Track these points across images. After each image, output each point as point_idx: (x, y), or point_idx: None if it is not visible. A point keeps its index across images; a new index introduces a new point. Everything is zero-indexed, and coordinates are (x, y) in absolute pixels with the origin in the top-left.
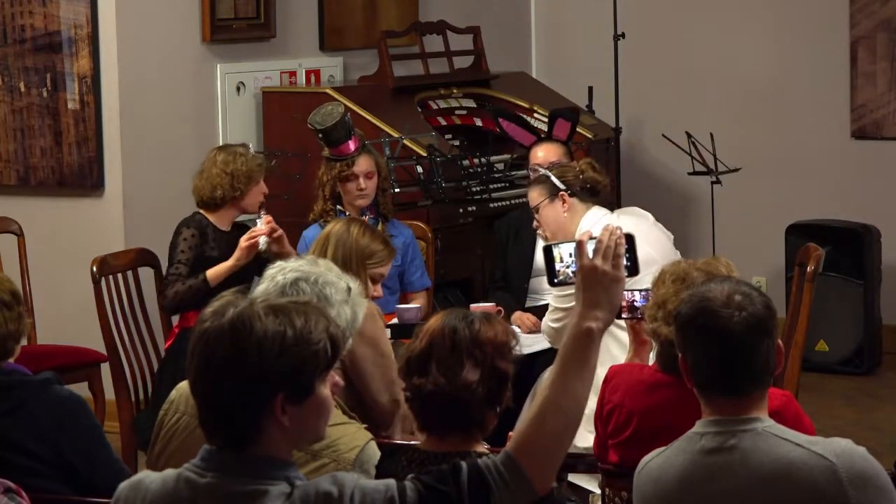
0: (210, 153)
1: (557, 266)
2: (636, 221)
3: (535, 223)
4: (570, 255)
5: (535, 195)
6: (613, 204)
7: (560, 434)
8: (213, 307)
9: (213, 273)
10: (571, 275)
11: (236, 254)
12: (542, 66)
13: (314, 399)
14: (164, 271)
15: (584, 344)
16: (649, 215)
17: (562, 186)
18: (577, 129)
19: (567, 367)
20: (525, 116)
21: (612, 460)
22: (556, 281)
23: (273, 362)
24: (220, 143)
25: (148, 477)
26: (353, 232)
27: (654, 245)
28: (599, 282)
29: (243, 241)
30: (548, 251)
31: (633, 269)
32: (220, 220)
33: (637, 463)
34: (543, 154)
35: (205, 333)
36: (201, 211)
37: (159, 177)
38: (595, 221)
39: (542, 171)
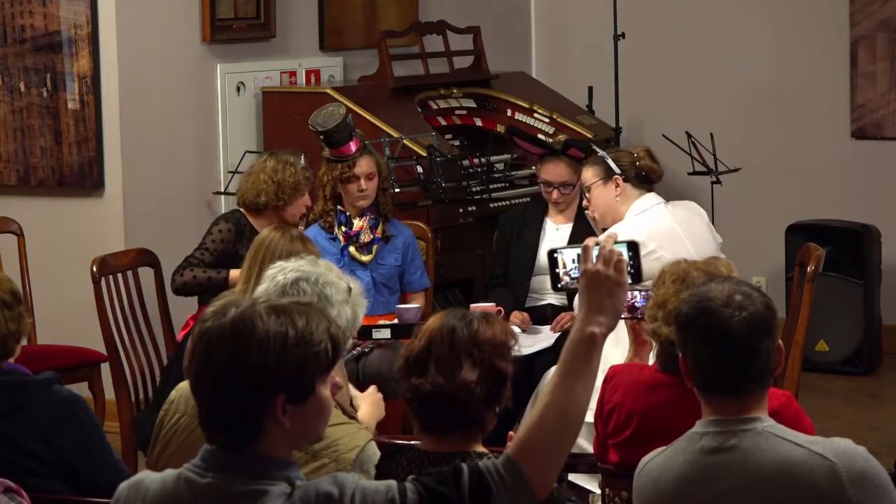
0: (260, 158)
1: (560, 271)
2: (686, 216)
3: (584, 202)
4: (573, 261)
5: (588, 174)
6: None
7: (561, 438)
8: (215, 307)
9: (236, 274)
10: (573, 281)
11: None
12: (542, 66)
13: (315, 400)
14: (164, 270)
15: (587, 348)
16: (703, 213)
17: (616, 170)
18: (578, 130)
19: (569, 371)
20: (527, 118)
21: (612, 460)
22: (559, 286)
23: (274, 362)
24: (220, 144)
25: (148, 477)
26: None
27: (698, 245)
28: (603, 286)
29: None
30: (552, 256)
31: (637, 277)
32: (259, 224)
33: (637, 463)
34: (553, 170)
35: (206, 333)
36: (241, 210)
37: (159, 177)
38: (646, 208)
39: (600, 151)
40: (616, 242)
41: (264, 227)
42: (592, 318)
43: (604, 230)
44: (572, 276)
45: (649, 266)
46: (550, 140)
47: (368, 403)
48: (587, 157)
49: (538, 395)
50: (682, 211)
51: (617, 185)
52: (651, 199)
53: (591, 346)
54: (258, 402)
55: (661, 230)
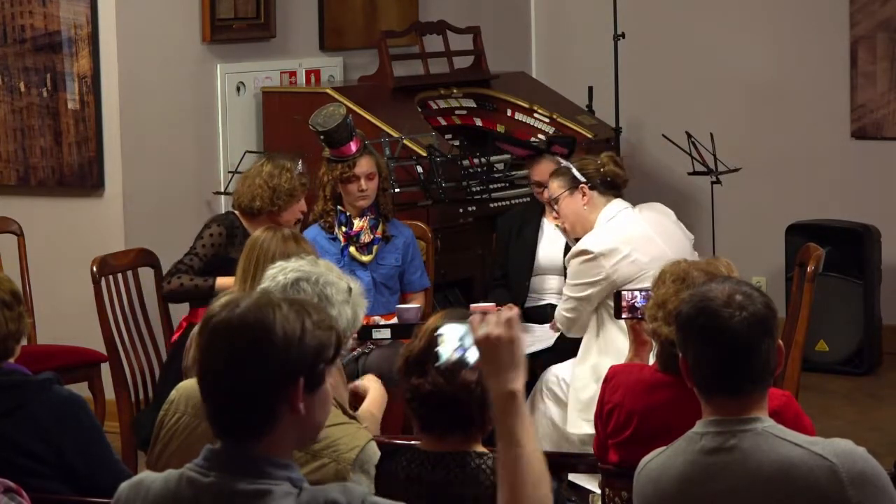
0: (258, 161)
1: (441, 349)
2: (655, 217)
3: (553, 214)
4: (460, 339)
5: (554, 186)
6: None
7: (538, 489)
8: (223, 301)
9: (222, 283)
10: (457, 357)
11: None
12: (542, 66)
13: (324, 390)
14: (164, 270)
15: (513, 406)
16: (671, 213)
17: (582, 179)
18: (578, 129)
19: (510, 432)
20: (527, 118)
21: (612, 460)
22: (437, 364)
23: (297, 345)
24: (220, 143)
25: (149, 477)
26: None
27: (671, 243)
28: (501, 347)
29: None
30: (436, 332)
31: (471, 355)
32: (253, 228)
33: (637, 463)
34: (540, 170)
35: (222, 323)
36: (235, 213)
37: (159, 177)
38: (614, 214)
39: (564, 162)
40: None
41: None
42: (504, 378)
43: (576, 240)
44: (457, 355)
45: (626, 270)
46: (536, 140)
47: (376, 386)
48: (567, 155)
49: (536, 393)
50: (649, 213)
51: (584, 195)
52: (618, 204)
53: (517, 402)
54: (281, 385)
55: (633, 234)
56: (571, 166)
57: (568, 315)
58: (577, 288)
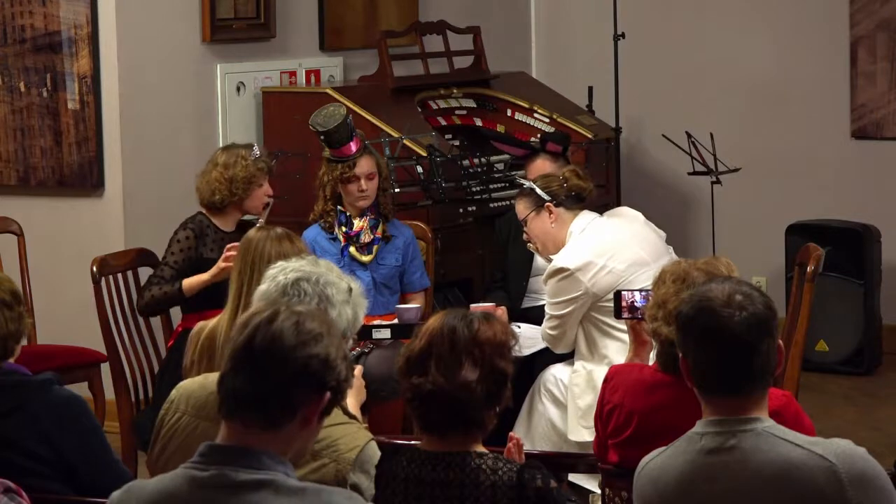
0: (214, 153)
1: None
2: (625, 223)
3: (524, 235)
4: None
5: (521, 208)
6: (612, 204)
7: None
8: (261, 305)
9: (188, 284)
10: None
11: (213, 270)
12: (542, 66)
13: (321, 424)
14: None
15: None
16: (639, 215)
17: (546, 197)
18: (578, 130)
19: None
20: (527, 118)
21: (612, 460)
22: None
23: (339, 365)
24: (220, 144)
25: (139, 482)
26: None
27: (645, 246)
28: None
29: (221, 261)
30: None
31: None
32: (223, 222)
33: (637, 463)
34: (535, 168)
35: (283, 312)
36: (203, 211)
37: (159, 177)
38: (583, 227)
39: (527, 183)
40: None
41: (228, 225)
42: None
43: (549, 260)
44: None
45: (605, 281)
46: (533, 139)
47: (353, 393)
48: (562, 152)
49: (534, 394)
50: (618, 219)
51: (550, 213)
52: (586, 216)
53: None
54: (312, 391)
55: (606, 244)
56: (535, 186)
57: (552, 333)
58: (558, 306)
